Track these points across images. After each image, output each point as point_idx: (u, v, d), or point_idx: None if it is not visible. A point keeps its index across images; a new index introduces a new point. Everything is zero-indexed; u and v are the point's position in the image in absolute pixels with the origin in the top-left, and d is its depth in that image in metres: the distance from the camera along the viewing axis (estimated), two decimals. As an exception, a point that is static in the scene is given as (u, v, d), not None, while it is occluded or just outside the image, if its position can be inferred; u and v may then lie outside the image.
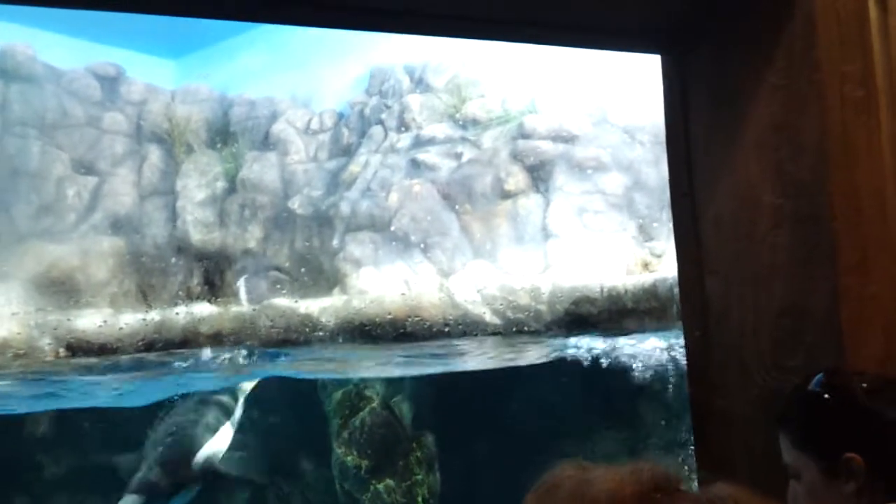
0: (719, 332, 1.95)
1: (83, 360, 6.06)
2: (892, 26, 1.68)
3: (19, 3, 1.80)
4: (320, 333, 6.33)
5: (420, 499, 6.96)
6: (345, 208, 7.48)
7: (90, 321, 6.40)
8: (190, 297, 7.42)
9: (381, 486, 6.92)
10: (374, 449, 6.96)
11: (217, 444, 6.75)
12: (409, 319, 6.24)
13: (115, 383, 6.54)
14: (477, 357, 6.68)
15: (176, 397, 7.20)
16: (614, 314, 5.94)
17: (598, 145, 7.12)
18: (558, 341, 6.36)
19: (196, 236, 7.98)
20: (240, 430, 7.25)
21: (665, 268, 6.15)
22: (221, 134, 8.61)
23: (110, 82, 8.56)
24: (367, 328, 6.29)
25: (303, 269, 7.47)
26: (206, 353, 6.25)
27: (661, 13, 2.03)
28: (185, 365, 6.21)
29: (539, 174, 7.07)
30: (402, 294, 6.54)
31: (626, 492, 0.70)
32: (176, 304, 6.96)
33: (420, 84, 8.10)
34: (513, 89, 7.60)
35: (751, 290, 1.85)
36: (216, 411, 6.91)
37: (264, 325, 6.44)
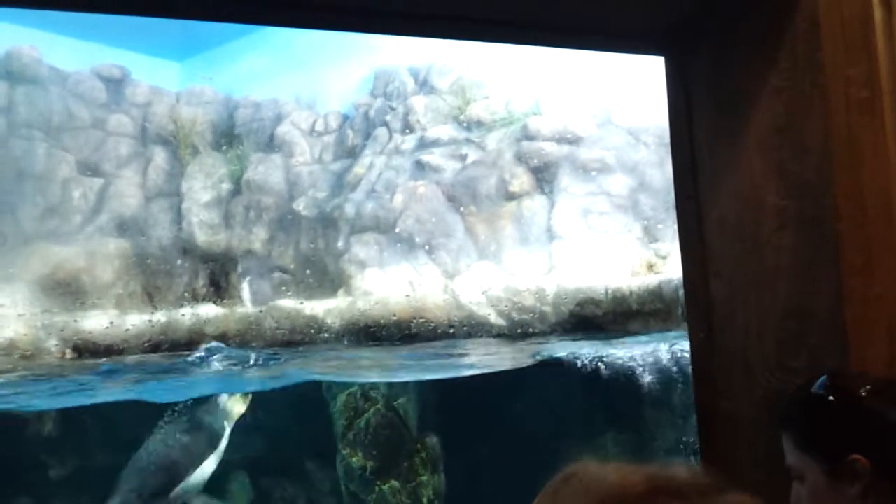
0: (724, 334, 1.95)
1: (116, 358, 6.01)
2: (897, 27, 1.68)
3: (24, 6, 1.82)
4: (325, 335, 6.35)
5: (425, 500, 6.96)
6: (349, 210, 7.49)
7: (96, 322, 6.43)
8: (195, 299, 7.44)
9: (386, 488, 6.93)
10: (379, 450, 6.96)
11: (198, 476, 6.32)
12: (414, 321, 6.25)
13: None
14: (482, 358, 6.68)
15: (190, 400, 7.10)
16: (619, 316, 5.93)
17: (603, 147, 7.12)
18: (562, 343, 6.35)
19: (201, 238, 8.01)
20: (227, 455, 7.03)
21: (670, 269, 6.14)
22: (226, 136, 8.64)
23: (115, 84, 8.60)
24: (372, 330, 6.31)
25: (308, 271, 7.48)
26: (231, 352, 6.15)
27: (663, 15, 2.03)
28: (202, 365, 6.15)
29: (544, 175, 7.07)
30: (407, 295, 6.54)
31: (637, 490, 0.71)
32: (181, 306, 6.98)
33: (424, 86, 8.11)
34: (517, 91, 7.61)
35: (755, 291, 1.85)
36: (201, 439, 6.51)
37: (270, 327, 6.46)
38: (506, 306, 6.23)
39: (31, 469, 7.33)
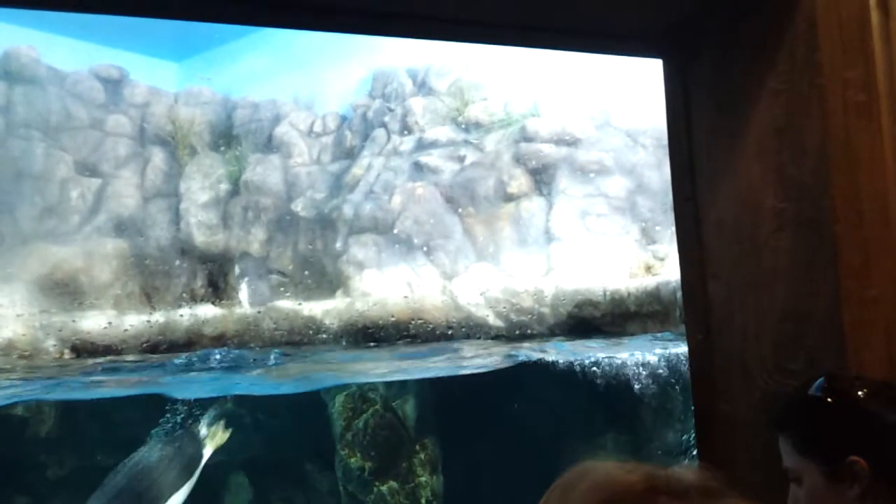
0: (722, 336, 1.96)
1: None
2: (894, 31, 1.69)
3: (23, 6, 1.82)
4: (324, 336, 6.35)
5: (423, 501, 6.96)
6: (348, 211, 7.49)
7: (95, 323, 6.43)
8: (194, 299, 7.44)
9: (384, 488, 6.92)
10: (377, 451, 6.96)
11: None
12: (413, 322, 6.25)
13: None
14: (480, 359, 6.69)
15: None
16: (617, 317, 5.94)
17: (601, 149, 7.13)
18: (561, 344, 6.36)
19: (199, 238, 8.01)
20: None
21: (668, 271, 6.15)
22: (224, 136, 8.64)
23: (114, 85, 8.59)
24: (370, 330, 6.31)
25: (306, 272, 7.48)
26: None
27: (661, 17, 2.04)
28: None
29: (542, 177, 7.08)
30: (405, 297, 6.55)
31: (636, 489, 0.72)
32: (180, 306, 6.98)
33: (423, 87, 8.12)
34: (515, 92, 7.61)
35: (753, 293, 1.86)
36: (175, 469, 6.27)
37: (268, 328, 6.46)
38: (504, 307, 6.23)
39: (30, 468, 7.32)
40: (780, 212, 1.79)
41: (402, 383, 7.14)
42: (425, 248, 6.98)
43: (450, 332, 6.21)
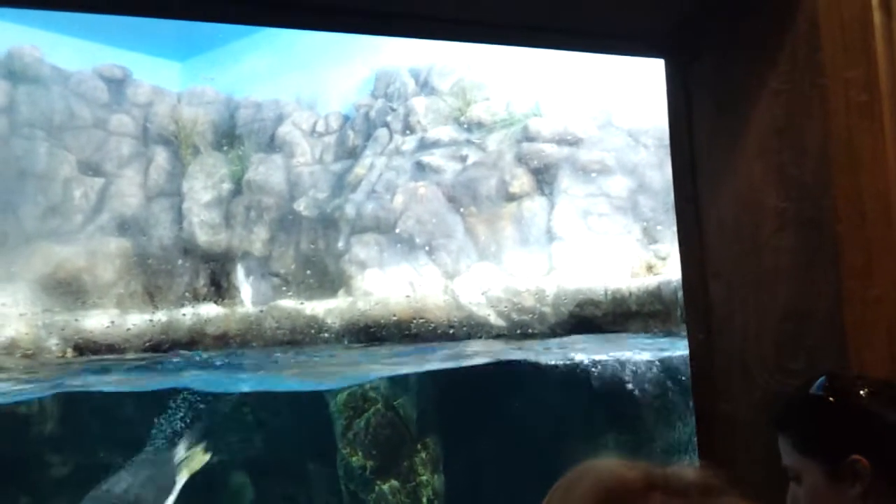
0: (722, 336, 1.96)
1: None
2: (896, 31, 1.69)
3: (26, 6, 1.83)
4: (326, 335, 6.36)
5: (424, 499, 6.97)
6: (350, 210, 7.50)
7: (97, 322, 6.44)
8: (196, 299, 7.45)
9: (385, 487, 6.93)
10: (378, 450, 6.97)
11: None
12: (415, 321, 6.26)
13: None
14: (482, 358, 6.69)
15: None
16: (618, 317, 5.94)
17: (603, 148, 7.12)
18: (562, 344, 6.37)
19: (202, 238, 8.02)
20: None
21: (669, 270, 6.14)
22: (227, 136, 8.65)
23: (117, 84, 8.61)
24: (372, 330, 6.31)
25: (308, 271, 7.49)
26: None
27: (663, 17, 2.04)
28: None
29: (544, 177, 7.08)
30: (407, 296, 6.55)
31: (635, 486, 0.74)
32: (182, 306, 6.99)
33: (425, 87, 8.12)
34: (517, 92, 7.61)
35: (754, 293, 1.86)
36: (149, 493, 6.12)
37: (270, 327, 6.47)
38: (505, 307, 6.24)
39: (33, 466, 7.35)
40: (781, 212, 1.79)
41: (404, 382, 7.15)
42: (427, 248, 6.98)
43: (451, 332, 6.21)
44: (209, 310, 6.87)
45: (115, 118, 8.43)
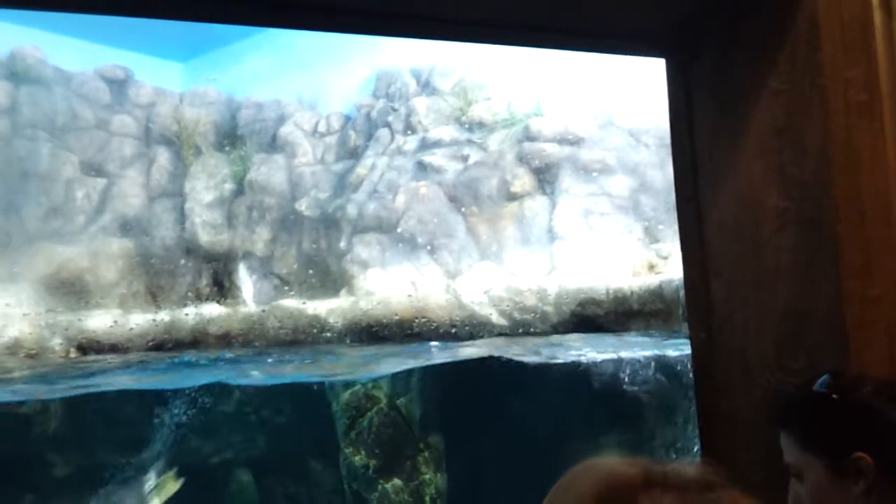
0: (723, 334, 1.96)
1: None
2: (896, 30, 1.69)
3: (28, 7, 1.84)
4: (328, 334, 6.37)
5: (427, 498, 6.98)
6: (352, 210, 7.51)
7: (100, 322, 6.46)
8: (199, 298, 7.47)
9: (388, 486, 6.95)
10: (381, 449, 6.98)
11: None
12: (416, 320, 6.27)
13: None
14: (484, 357, 6.70)
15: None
16: (620, 316, 5.94)
17: (604, 148, 7.13)
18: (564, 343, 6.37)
19: (204, 238, 8.04)
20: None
21: (671, 270, 6.15)
22: (229, 136, 8.66)
23: (119, 85, 8.63)
24: (374, 329, 6.33)
25: (310, 271, 7.51)
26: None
27: (663, 17, 2.04)
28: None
29: (545, 176, 7.09)
30: (409, 295, 6.56)
31: (634, 482, 0.75)
32: (185, 305, 7.01)
33: (426, 87, 8.13)
34: (519, 92, 7.62)
35: (755, 292, 1.87)
36: None
37: (272, 326, 6.48)
38: (507, 306, 6.25)
39: (36, 466, 7.36)
40: (781, 211, 1.80)
41: (407, 381, 7.16)
42: (429, 247, 6.99)
43: (453, 331, 6.22)
44: (212, 309, 6.89)
45: (118, 119, 8.45)
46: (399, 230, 7.15)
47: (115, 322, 6.47)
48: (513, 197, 7.06)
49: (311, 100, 8.77)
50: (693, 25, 2.03)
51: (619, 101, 7.25)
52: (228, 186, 8.33)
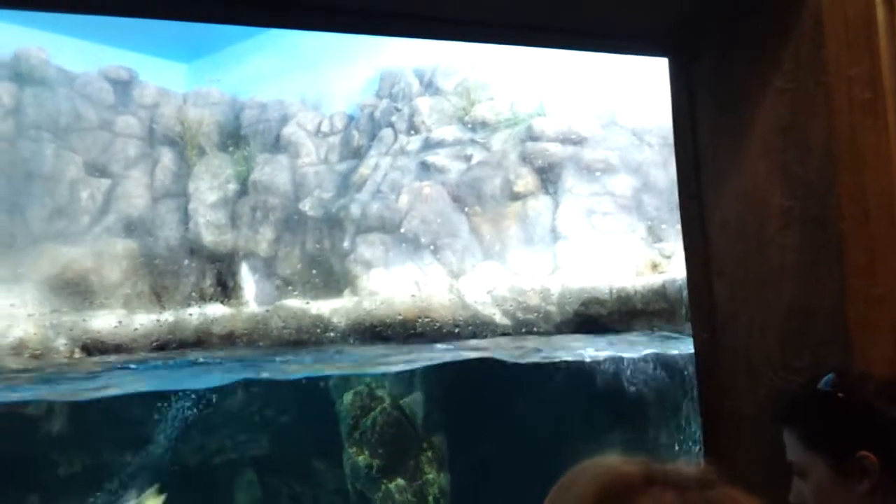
0: (727, 333, 1.96)
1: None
2: (900, 28, 1.68)
3: (32, 8, 1.85)
4: (332, 334, 6.38)
5: (431, 498, 6.99)
6: (355, 210, 7.52)
7: (105, 322, 6.47)
8: (203, 299, 7.49)
9: (392, 486, 6.95)
10: (385, 449, 6.99)
11: None
12: (420, 320, 6.27)
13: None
14: (488, 357, 6.70)
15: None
16: (623, 315, 5.94)
17: (607, 147, 7.12)
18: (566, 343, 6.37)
19: (208, 238, 8.05)
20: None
21: (674, 269, 6.14)
22: (233, 137, 8.68)
23: (123, 86, 8.65)
24: (377, 329, 6.33)
25: (314, 271, 7.51)
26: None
27: (665, 16, 2.04)
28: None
29: (548, 176, 7.08)
30: (413, 295, 6.56)
31: (634, 480, 0.75)
32: (189, 305, 7.02)
33: (429, 87, 8.13)
34: (521, 92, 7.61)
35: (758, 291, 1.86)
36: None
37: (276, 326, 6.49)
38: (511, 306, 6.24)
39: (41, 466, 7.39)
40: (785, 210, 1.80)
41: (410, 381, 7.16)
42: (432, 247, 6.99)
43: (457, 331, 6.22)
44: (216, 310, 6.90)
45: (121, 119, 8.47)
46: (402, 230, 7.16)
47: (120, 322, 6.48)
48: (516, 197, 7.06)
49: (314, 100, 8.78)
50: (695, 25, 2.03)
51: (622, 100, 7.24)
52: (232, 187, 8.35)
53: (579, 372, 6.81)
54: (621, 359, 6.61)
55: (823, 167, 1.71)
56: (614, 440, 6.73)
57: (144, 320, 6.64)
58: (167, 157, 8.52)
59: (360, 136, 8.32)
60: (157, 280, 7.58)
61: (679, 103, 2.14)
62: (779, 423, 1.48)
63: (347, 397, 7.31)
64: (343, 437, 7.27)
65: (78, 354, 6.24)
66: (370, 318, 6.39)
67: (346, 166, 8.19)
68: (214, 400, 7.75)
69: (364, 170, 7.90)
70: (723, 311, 1.98)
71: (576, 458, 0.86)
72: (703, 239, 2.03)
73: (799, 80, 1.77)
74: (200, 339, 6.56)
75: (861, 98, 1.67)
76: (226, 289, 7.81)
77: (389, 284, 6.88)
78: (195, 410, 7.56)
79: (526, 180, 7.07)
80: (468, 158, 7.45)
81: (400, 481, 6.96)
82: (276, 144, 8.54)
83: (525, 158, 7.19)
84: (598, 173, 6.98)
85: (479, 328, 6.24)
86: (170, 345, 6.50)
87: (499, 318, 6.25)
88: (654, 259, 6.50)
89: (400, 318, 6.34)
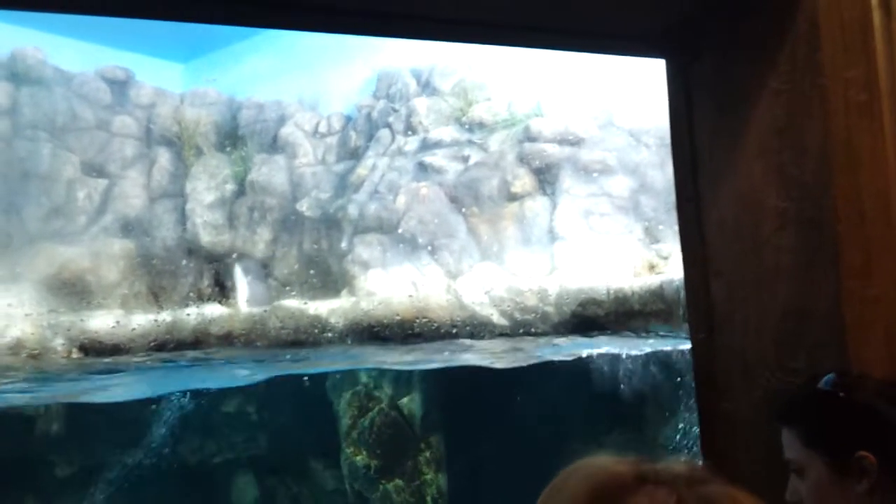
0: (724, 334, 1.97)
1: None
2: (895, 31, 1.69)
3: (29, 8, 1.84)
4: (329, 335, 6.38)
5: (429, 498, 6.99)
6: (353, 211, 7.52)
7: (102, 322, 6.47)
8: (200, 299, 7.48)
9: (390, 486, 6.96)
10: (383, 449, 6.99)
11: None
12: (417, 321, 6.27)
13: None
14: (485, 357, 6.71)
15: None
16: (621, 316, 5.95)
17: (604, 148, 7.13)
18: (565, 342, 6.38)
19: (205, 238, 8.05)
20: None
21: (671, 270, 6.15)
22: (230, 137, 8.67)
23: (120, 86, 8.63)
24: (375, 329, 6.33)
25: (311, 271, 7.51)
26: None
27: (663, 17, 2.05)
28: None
29: (545, 177, 7.09)
30: (410, 296, 6.57)
31: (626, 479, 0.75)
32: (187, 306, 7.01)
33: (427, 87, 8.14)
34: (519, 92, 7.62)
35: (755, 292, 1.87)
36: None
37: (274, 327, 6.49)
38: (508, 306, 6.25)
39: (39, 466, 7.37)
40: (781, 211, 1.80)
41: (408, 382, 7.17)
42: (430, 248, 7.00)
43: (454, 331, 6.23)
44: (213, 310, 6.90)
45: (118, 119, 8.46)
46: (400, 230, 7.16)
47: (117, 322, 6.47)
48: (513, 197, 7.06)
49: (311, 100, 8.78)
50: (693, 25, 2.03)
51: (619, 101, 7.25)
52: (229, 187, 8.34)
53: (577, 372, 6.82)
54: (619, 358, 6.63)
55: (819, 169, 1.72)
56: (613, 440, 6.74)
57: (142, 320, 6.63)
58: (164, 157, 8.51)
59: (357, 137, 8.32)
60: (155, 280, 7.57)
61: (676, 104, 2.14)
62: (778, 421, 1.49)
63: (345, 397, 7.31)
64: (341, 437, 7.27)
65: (75, 354, 6.23)
66: (368, 319, 6.39)
67: (344, 167, 8.19)
68: (212, 400, 7.75)
69: (361, 170, 7.90)
70: (720, 311, 1.98)
71: (574, 458, 0.86)
72: (700, 240, 2.04)
73: (795, 81, 1.77)
74: (198, 340, 6.56)
75: (857, 100, 1.68)
76: (223, 289, 7.81)
77: (387, 285, 6.88)
78: (193, 410, 7.56)
79: (523, 181, 7.08)
80: (465, 159, 7.45)
81: (398, 481, 6.96)
82: (274, 145, 8.54)
83: (522, 159, 7.20)
84: (595, 174, 6.99)
85: (476, 329, 6.25)
86: (167, 345, 6.49)
87: (496, 318, 6.26)
88: (651, 260, 6.51)
89: (398, 318, 6.34)
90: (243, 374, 7.29)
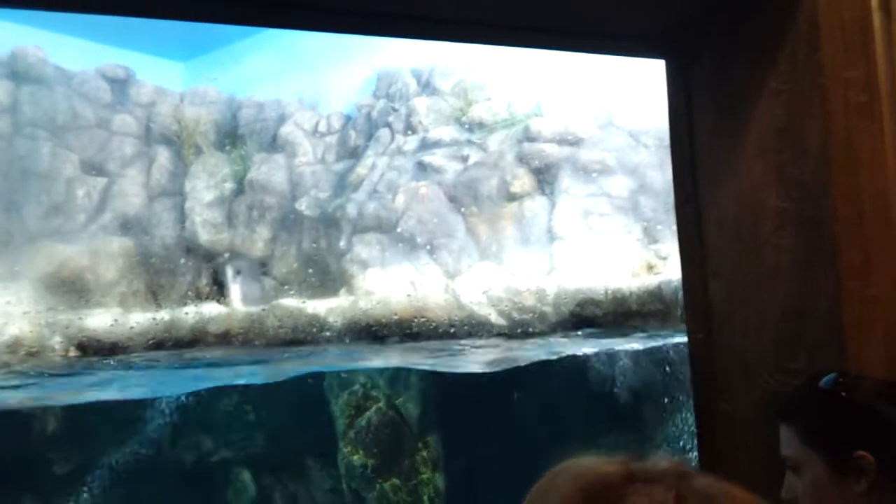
0: (722, 335, 1.97)
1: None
2: (895, 32, 1.70)
3: (29, 7, 1.84)
4: (327, 334, 6.38)
5: (426, 498, 6.99)
6: (352, 210, 7.51)
7: (101, 320, 6.46)
8: (199, 297, 7.48)
9: (387, 486, 6.95)
10: (380, 448, 6.99)
11: None
12: (416, 320, 6.27)
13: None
14: (483, 357, 6.71)
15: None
16: (619, 316, 5.95)
17: (604, 148, 7.13)
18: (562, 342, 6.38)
19: (204, 237, 8.04)
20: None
21: (670, 270, 6.15)
22: (230, 136, 8.67)
23: (120, 84, 8.63)
24: (373, 329, 6.33)
25: (310, 270, 7.51)
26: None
27: (663, 17, 2.05)
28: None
29: (545, 177, 7.09)
30: (409, 295, 6.57)
31: (615, 478, 0.75)
32: (185, 304, 7.01)
33: (427, 87, 8.14)
34: (519, 92, 7.62)
35: (754, 292, 1.87)
36: None
37: (272, 326, 6.49)
38: (506, 306, 6.25)
39: (37, 465, 7.36)
40: (781, 211, 1.81)
41: (406, 381, 7.16)
42: (428, 247, 7.00)
43: (452, 331, 6.23)
44: (211, 308, 6.90)
45: (118, 118, 8.46)
46: (399, 230, 7.16)
47: (116, 321, 6.47)
48: (512, 197, 7.06)
49: (311, 100, 8.78)
50: (693, 26, 2.03)
51: (619, 101, 7.25)
52: (229, 186, 8.34)
53: (575, 372, 6.82)
54: (618, 358, 6.63)
55: (819, 169, 1.72)
56: (612, 441, 6.74)
57: (140, 319, 6.63)
58: (164, 155, 8.50)
59: (356, 136, 8.32)
60: (153, 279, 7.56)
61: (676, 104, 2.14)
62: (777, 418, 1.49)
63: (343, 397, 7.30)
64: (338, 436, 7.27)
65: (73, 353, 6.23)
66: (366, 318, 6.39)
67: (343, 166, 8.19)
68: (210, 399, 7.75)
69: (361, 170, 7.90)
70: (718, 311, 1.98)
71: (572, 457, 0.86)
72: (699, 240, 2.04)
73: (795, 81, 1.78)
74: (196, 338, 6.56)
75: (857, 101, 1.68)
76: (222, 288, 7.81)
77: (385, 284, 6.88)
78: (191, 409, 7.55)
79: (522, 181, 7.08)
80: (465, 159, 7.45)
81: (395, 481, 6.96)
82: (273, 144, 8.53)
83: (522, 159, 7.20)
84: (594, 174, 6.99)
85: (474, 328, 6.25)
86: (166, 343, 6.49)
87: (494, 318, 6.26)
88: (649, 260, 6.51)
89: (396, 317, 6.34)
90: (241, 373, 7.29)
